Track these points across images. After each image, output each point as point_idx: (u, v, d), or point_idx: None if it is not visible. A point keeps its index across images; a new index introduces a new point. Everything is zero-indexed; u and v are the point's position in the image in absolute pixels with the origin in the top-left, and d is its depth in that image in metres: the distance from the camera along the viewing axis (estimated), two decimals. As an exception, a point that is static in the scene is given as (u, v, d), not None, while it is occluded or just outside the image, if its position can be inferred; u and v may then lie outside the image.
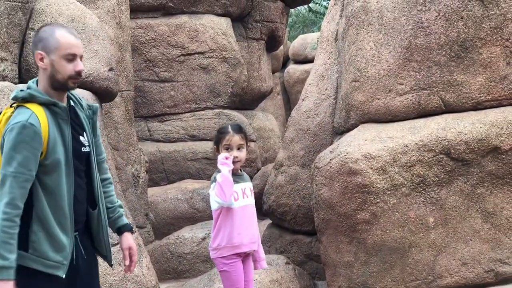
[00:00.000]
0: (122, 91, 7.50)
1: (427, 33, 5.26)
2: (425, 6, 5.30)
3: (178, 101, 10.20)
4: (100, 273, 4.76)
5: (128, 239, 3.29)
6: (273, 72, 15.25)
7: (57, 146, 2.91)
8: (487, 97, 5.21)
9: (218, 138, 4.28)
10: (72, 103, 3.09)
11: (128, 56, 7.93)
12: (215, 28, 10.22)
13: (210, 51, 10.17)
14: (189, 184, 9.27)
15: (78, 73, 2.99)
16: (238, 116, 10.34)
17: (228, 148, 4.21)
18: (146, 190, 8.17)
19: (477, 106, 5.25)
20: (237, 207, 4.18)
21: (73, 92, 3.12)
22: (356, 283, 5.32)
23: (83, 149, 3.06)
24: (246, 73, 10.60)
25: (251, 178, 9.50)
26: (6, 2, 4.95)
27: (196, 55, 10.15)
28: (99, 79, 5.60)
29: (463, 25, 5.17)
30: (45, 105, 2.92)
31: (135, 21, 9.70)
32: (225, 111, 10.26)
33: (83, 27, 5.54)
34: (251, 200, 4.29)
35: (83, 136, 3.08)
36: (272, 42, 11.84)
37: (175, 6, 10.16)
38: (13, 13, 5.02)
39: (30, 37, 5.30)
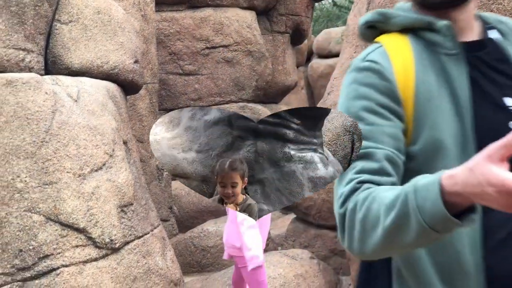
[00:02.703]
0: (147, 83, 7.51)
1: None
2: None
3: (202, 94, 10.20)
4: (124, 265, 4.75)
5: None
6: (297, 66, 15.18)
7: (437, 112, 1.41)
8: None
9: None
10: (496, 35, 1.57)
11: (153, 48, 7.93)
12: (240, 21, 10.19)
13: (235, 44, 10.14)
14: (213, 178, 9.28)
15: None
16: (262, 109, 10.31)
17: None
18: (170, 183, 8.18)
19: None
20: None
21: (497, 16, 1.63)
22: (382, 279, 5.25)
23: None
24: (271, 66, 10.55)
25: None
26: (32, -7, 4.95)
27: (221, 48, 10.13)
28: (125, 71, 5.60)
29: (494, 17, 5.07)
30: (412, 31, 1.51)
31: (160, 14, 9.70)
32: (249, 104, 10.24)
33: (108, 19, 5.54)
34: None
35: None
36: (297, 36, 11.78)
37: (200, -1, 10.16)
38: (39, 4, 5.02)
39: (56, 29, 5.30)
